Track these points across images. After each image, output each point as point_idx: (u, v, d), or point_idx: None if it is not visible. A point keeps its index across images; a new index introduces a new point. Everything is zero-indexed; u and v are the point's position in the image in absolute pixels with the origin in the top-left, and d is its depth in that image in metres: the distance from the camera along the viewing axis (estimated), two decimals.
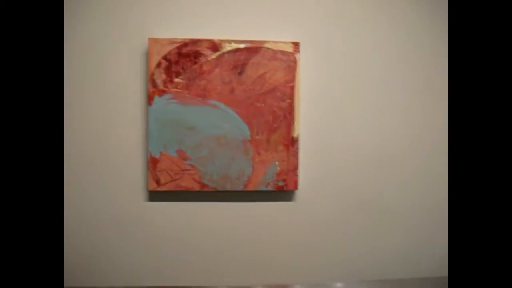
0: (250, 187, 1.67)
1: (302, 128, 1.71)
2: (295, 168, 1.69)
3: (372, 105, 1.73)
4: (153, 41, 1.61)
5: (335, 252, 1.73)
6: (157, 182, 1.64)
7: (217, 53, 1.64)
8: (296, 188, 1.69)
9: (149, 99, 1.62)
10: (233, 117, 1.66)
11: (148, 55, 1.61)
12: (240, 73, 1.66)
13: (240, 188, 1.67)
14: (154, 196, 1.67)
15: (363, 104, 1.73)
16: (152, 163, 1.63)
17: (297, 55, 1.67)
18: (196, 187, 1.66)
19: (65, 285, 1.60)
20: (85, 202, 1.63)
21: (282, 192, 1.72)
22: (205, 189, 1.66)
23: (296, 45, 1.67)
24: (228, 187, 1.67)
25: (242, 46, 1.65)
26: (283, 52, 1.67)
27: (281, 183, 1.68)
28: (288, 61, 1.67)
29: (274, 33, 1.69)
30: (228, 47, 1.65)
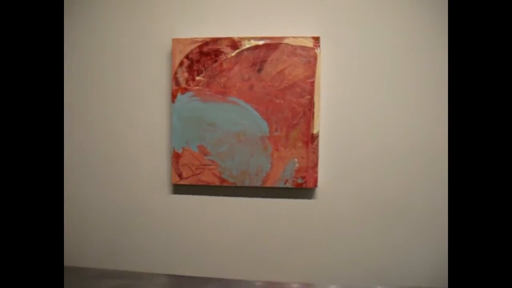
0: (269, 184, 1.68)
1: (322, 124, 1.67)
2: (315, 165, 1.66)
3: (395, 101, 1.64)
4: (176, 41, 1.69)
5: (354, 251, 1.67)
6: (180, 176, 1.72)
7: (237, 51, 1.67)
8: (315, 185, 1.66)
9: (173, 97, 1.70)
10: (252, 113, 1.68)
11: (172, 54, 1.69)
12: (259, 70, 1.67)
13: (258, 184, 1.68)
14: (178, 189, 1.75)
15: (385, 100, 1.64)
16: (175, 158, 1.71)
17: (317, 50, 1.63)
18: (216, 182, 1.70)
19: (94, 267, 1.75)
20: (115, 193, 1.77)
21: (302, 189, 1.70)
22: (225, 184, 1.70)
23: (316, 39, 1.63)
24: (247, 183, 1.69)
25: (261, 43, 1.66)
26: (303, 48, 1.64)
27: (300, 180, 1.67)
28: (308, 56, 1.64)
29: (294, 29, 1.67)
30: (247, 45, 1.67)
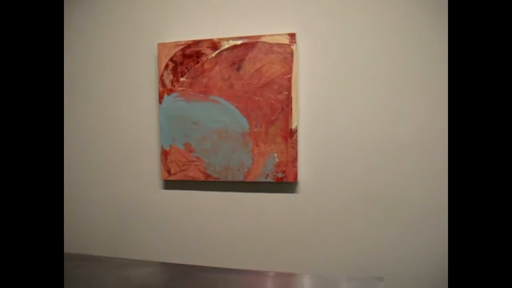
0: (250, 178, 1.74)
1: (301, 119, 1.70)
2: (294, 160, 1.69)
3: (372, 94, 1.62)
4: (162, 46, 1.80)
5: (335, 246, 1.68)
6: (168, 172, 1.83)
7: (216, 52, 1.74)
8: (295, 180, 1.69)
9: (160, 98, 1.82)
10: (233, 111, 1.74)
11: (158, 58, 1.81)
12: (238, 69, 1.73)
13: (241, 178, 1.75)
14: (168, 184, 1.86)
15: (363, 93, 1.63)
16: (163, 155, 1.83)
17: (293, 46, 1.66)
18: (201, 177, 1.79)
19: (96, 253, 1.92)
20: (112, 189, 1.93)
21: (283, 183, 1.73)
22: (209, 179, 1.78)
23: (292, 36, 1.66)
24: (230, 178, 1.76)
25: (239, 42, 1.72)
26: (279, 45, 1.68)
27: (280, 175, 1.71)
28: (284, 53, 1.67)
29: (271, 27, 1.71)
30: (226, 45, 1.73)
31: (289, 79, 1.67)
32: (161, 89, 1.81)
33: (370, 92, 1.62)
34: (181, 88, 1.79)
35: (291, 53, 1.66)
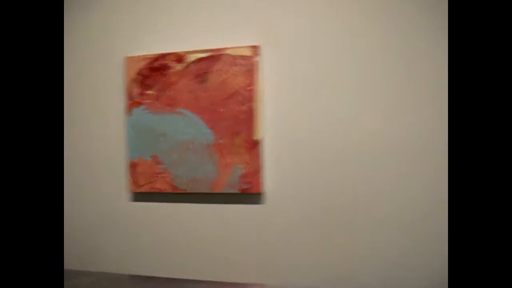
0: (216, 190, 1.74)
1: (267, 130, 1.70)
2: (259, 171, 1.69)
3: (338, 104, 1.62)
4: (129, 59, 1.83)
5: (302, 256, 1.66)
6: (137, 184, 1.84)
7: (182, 65, 1.77)
8: (261, 191, 1.68)
9: (127, 110, 1.84)
10: (198, 123, 1.75)
11: (125, 71, 1.83)
12: (203, 81, 1.74)
13: (207, 190, 1.75)
14: (136, 197, 1.87)
15: (329, 103, 1.63)
16: (132, 167, 1.84)
17: (256, 58, 1.68)
18: (169, 189, 1.80)
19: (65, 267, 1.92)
20: (82, 201, 1.93)
21: (248, 194, 1.73)
22: (177, 191, 1.79)
23: (255, 48, 1.68)
24: (197, 189, 1.76)
25: (204, 55, 1.74)
26: (243, 57, 1.69)
27: (245, 186, 1.70)
28: (248, 65, 1.69)
29: (236, 39, 1.73)
30: (192, 58, 1.75)
31: (253, 91, 1.69)
32: (129, 102, 1.83)
33: (337, 101, 1.63)
34: (148, 101, 1.81)
35: (255, 65, 1.68)
